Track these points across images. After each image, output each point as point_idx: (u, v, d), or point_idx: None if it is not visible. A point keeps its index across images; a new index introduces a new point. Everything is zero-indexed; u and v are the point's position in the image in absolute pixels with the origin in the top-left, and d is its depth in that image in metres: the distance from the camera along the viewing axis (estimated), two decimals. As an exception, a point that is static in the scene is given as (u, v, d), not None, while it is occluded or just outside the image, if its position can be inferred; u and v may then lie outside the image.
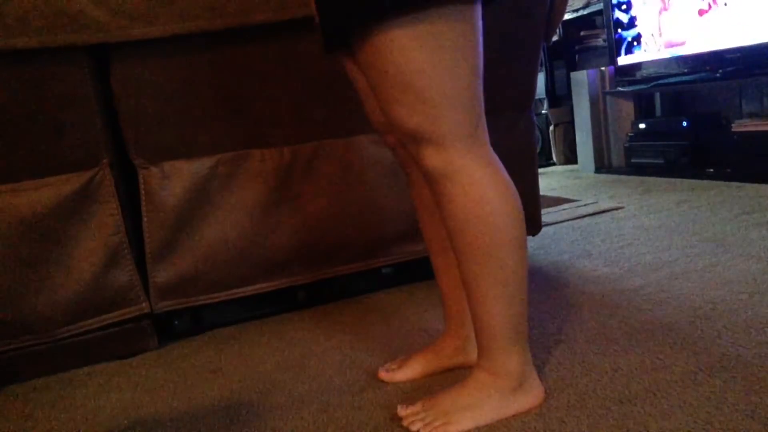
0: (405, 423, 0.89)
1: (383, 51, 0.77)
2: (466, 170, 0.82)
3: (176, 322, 1.42)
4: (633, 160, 3.01)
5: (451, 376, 1.03)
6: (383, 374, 1.06)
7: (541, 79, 3.69)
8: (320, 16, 0.86)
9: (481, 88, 0.83)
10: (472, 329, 1.00)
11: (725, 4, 2.46)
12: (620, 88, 3.10)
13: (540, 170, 2.40)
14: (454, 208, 0.83)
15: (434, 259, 1.05)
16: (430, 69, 0.77)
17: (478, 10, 0.80)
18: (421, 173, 0.90)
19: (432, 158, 0.82)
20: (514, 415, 0.88)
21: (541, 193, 1.64)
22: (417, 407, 0.90)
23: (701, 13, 2.58)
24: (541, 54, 1.52)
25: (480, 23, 0.81)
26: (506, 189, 0.84)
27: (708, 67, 2.60)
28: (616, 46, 3.08)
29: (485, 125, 0.85)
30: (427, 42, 0.76)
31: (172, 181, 1.30)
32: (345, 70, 0.98)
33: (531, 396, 0.90)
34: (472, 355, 1.01)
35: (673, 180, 2.68)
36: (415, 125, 0.80)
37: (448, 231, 0.86)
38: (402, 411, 0.91)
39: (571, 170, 3.42)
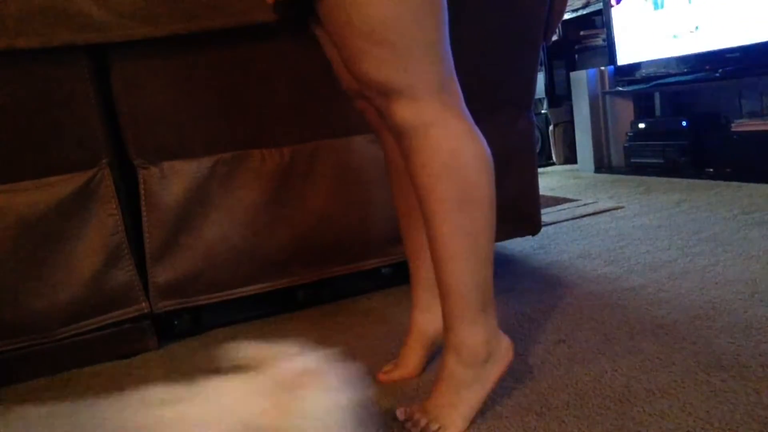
0: (405, 427, 0.89)
1: (348, 3, 0.75)
2: (438, 122, 0.79)
3: (176, 322, 1.42)
4: (632, 160, 3.02)
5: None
6: (381, 376, 1.06)
7: (540, 78, 3.69)
8: None
9: (448, 45, 0.81)
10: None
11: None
12: (620, 88, 3.10)
13: (539, 170, 2.40)
14: (425, 161, 0.80)
15: (405, 231, 1.04)
16: (398, 17, 0.75)
17: None
18: (390, 131, 0.86)
19: (403, 111, 0.79)
20: (512, 412, 0.88)
21: (541, 192, 1.64)
22: (414, 410, 0.90)
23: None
24: (541, 54, 1.52)
25: None
26: (479, 143, 0.82)
27: (707, 67, 2.60)
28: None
29: (457, 82, 0.83)
30: None
31: (171, 181, 1.30)
32: (318, 41, 0.96)
33: (500, 360, 0.88)
34: None
35: (672, 180, 2.68)
36: (385, 77, 0.78)
37: (418, 188, 0.83)
38: (400, 415, 0.91)
39: (571, 170, 3.42)
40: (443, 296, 0.86)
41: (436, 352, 1.09)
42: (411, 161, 0.82)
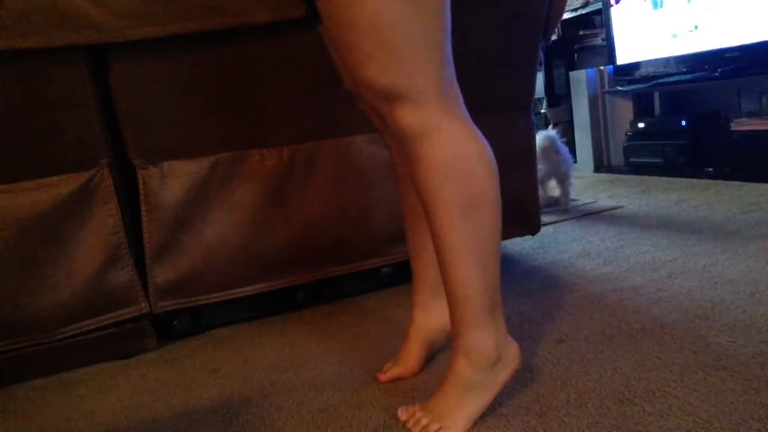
0: (406, 426, 0.89)
1: (354, 6, 0.74)
2: (443, 127, 0.79)
3: (176, 323, 1.42)
4: (632, 160, 3.02)
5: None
6: (381, 376, 1.06)
7: (540, 78, 3.69)
8: None
9: (450, 48, 0.81)
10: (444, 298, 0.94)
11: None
12: (619, 88, 3.10)
13: (539, 170, 2.40)
14: (431, 166, 0.80)
15: (411, 232, 1.05)
16: (403, 21, 0.74)
17: None
18: (392, 135, 0.85)
19: (407, 117, 0.79)
20: (512, 411, 0.88)
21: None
22: (416, 409, 0.90)
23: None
24: (540, 53, 1.52)
25: None
26: (483, 147, 0.82)
27: (707, 66, 2.60)
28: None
29: (457, 86, 0.83)
30: None
31: (171, 181, 1.30)
32: (324, 41, 0.96)
33: (508, 364, 0.89)
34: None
35: (672, 179, 2.68)
36: (389, 82, 0.77)
37: (423, 194, 0.82)
38: (402, 415, 0.91)
39: (570, 169, 3.42)
40: (452, 301, 0.86)
41: (435, 352, 1.09)
42: (415, 166, 0.82)
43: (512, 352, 0.90)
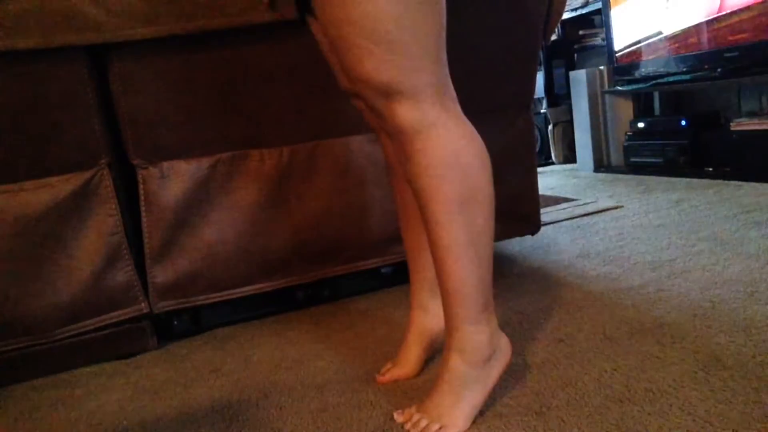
0: (404, 428, 0.89)
1: (350, 2, 0.74)
2: (440, 124, 0.79)
3: (175, 322, 1.42)
4: (632, 159, 3.02)
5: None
6: (380, 378, 1.06)
7: (539, 78, 3.69)
8: None
9: (445, 47, 0.81)
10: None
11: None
12: (619, 87, 3.10)
13: (539, 169, 2.40)
14: (429, 162, 0.80)
15: (407, 233, 1.05)
16: (401, 17, 0.74)
17: None
18: (389, 133, 0.85)
19: (405, 113, 0.79)
20: (511, 411, 0.88)
21: (540, 192, 1.64)
22: (412, 410, 0.90)
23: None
24: (540, 53, 1.52)
25: None
26: (479, 144, 0.83)
27: (707, 66, 2.60)
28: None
29: (451, 84, 0.83)
30: None
31: (171, 181, 1.30)
32: (314, 37, 0.96)
33: (502, 356, 0.90)
34: None
35: (671, 179, 2.68)
36: (387, 78, 0.77)
37: (420, 190, 0.82)
38: (398, 417, 0.91)
39: (570, 169, 3.42)
40: (446, 297, 0.86)
41: (434, 352, 1.09)
42: (412, 163, 0.82)
43: (504, 346, 0.91)
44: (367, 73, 0.77)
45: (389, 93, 0.78)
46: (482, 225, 0.83)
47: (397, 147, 0.84)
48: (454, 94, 0.83)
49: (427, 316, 1.06)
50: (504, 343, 0.91)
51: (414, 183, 0.83)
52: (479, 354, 0.87)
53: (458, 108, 0.83)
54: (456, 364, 0.87)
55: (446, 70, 0.82)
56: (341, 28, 0.76)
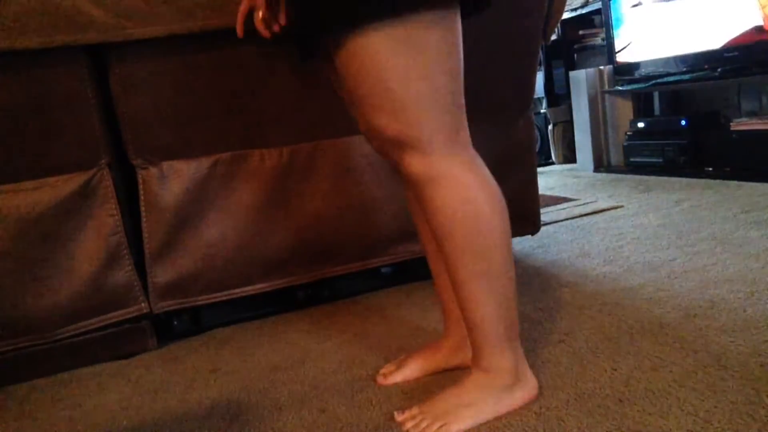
0: (404, 428, 0.89)
1: (360, 57, 0.77)
2: (449, 173, 0.82)
3: (175, 322, 1.42)
4: (632, 159, 3.02)
5: (450, 376, 1.03)
6: (381, 380, 1.06)
7: (539, 78, 3.69)
8: (295, 24, 0.87)
9: (461, 92, 0.83)
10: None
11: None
12: (619, 87, 3.10)
13: (539, 169, 2.41)
14: (439, 211, 0.83)
15: (431, 260, 1.06)
16: (408, 74, 0.77)
17: (456, 15, 0.80)
18: (402, 177, 0.90)
19: (415, 164, 0.82)
20: (512, 412, 0.88)
21: (540, 192, 1.64)
22: (414, 411, 0.90)
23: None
24: (540, 53, 1.52)
25: (458, 28, 0.81)
26: (490, 189, 0.85)
27: (707, 66, 2.60)
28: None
29: (467, 128, 0.85)
30: (404, 47, 0.76)
31: (171, 181, 1.30)
32: (328, 78, 0.98)
33: (526, 391, 0.91)
34: (470, 356, 1.01)
35: (671, 179, 2.68)
36: (396, 132, 0.80)
37: (436, 235, 0.86)
38: (399, 417, 0.91)
39: (570, 169, 3.42)
40: (469, 330, 0.90)
41: (439, 376, 1.06)
42: (427, 211, 0.85)
43: (531, 384, 0.92)
44: (378, 125, 0.81)
45: (399, 145, 0.82)
46: (499, 267, 0.85)
47: (413, 192, 0.87)
48: (467, 138, 0.85)
49: (452, 343, 1.06)
50: (532, 382, 0.92)
51: (429, 223, 0.86)
52: (501, 379, 0.89)
53: (470, 152, 0.85)
54: (477, 377, 0.90)
55: (460, 116, 0.84)
56: (355, 83, 0.80)
